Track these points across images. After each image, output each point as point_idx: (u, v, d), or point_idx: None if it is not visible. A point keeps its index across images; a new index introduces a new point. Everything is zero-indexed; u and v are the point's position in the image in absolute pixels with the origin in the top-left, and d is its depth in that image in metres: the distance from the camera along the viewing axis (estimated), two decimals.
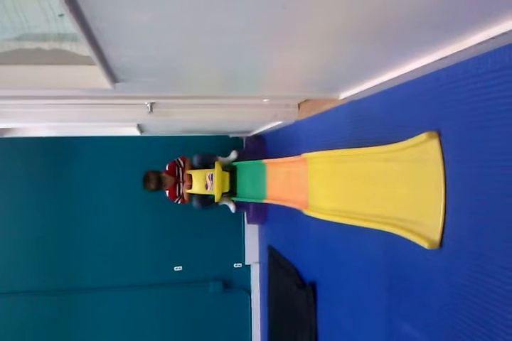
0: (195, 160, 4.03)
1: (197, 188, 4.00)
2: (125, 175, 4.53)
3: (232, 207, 4.18)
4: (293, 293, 3.28)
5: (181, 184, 4.04)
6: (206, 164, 4.06)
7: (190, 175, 4.03)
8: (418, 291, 1.71)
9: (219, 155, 4.08)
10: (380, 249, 2.00)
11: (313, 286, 2.92)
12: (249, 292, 4.88)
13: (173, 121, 3.23)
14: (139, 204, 4.59)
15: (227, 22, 1.15)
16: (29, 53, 1.79)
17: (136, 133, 3.94)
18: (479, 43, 1.23)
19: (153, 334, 4.67)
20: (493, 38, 1.18)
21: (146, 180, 3.89)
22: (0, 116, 2.79)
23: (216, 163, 3.86)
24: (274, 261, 4.00)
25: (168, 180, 3.93)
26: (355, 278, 2.32)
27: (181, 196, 4.06)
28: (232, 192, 4.06)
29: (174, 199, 4.05)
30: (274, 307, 4.07)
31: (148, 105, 2.85)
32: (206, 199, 4.06)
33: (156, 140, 4.53)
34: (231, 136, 4.77)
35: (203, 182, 3.93)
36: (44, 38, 1.73)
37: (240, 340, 4.83)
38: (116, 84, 1.76)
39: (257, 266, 4.85)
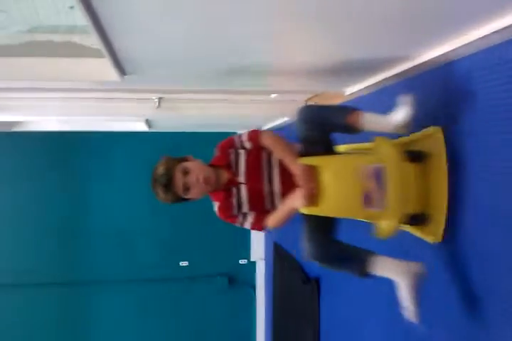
0: (304, 118, 1.72)
1: (337, 202, 1.61)
2: (132, 169, 4.55)
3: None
4: (297, 288, 3.30)
5: (243, 185, 1.76)
6: (329, 126, 1.68)
7: (314, 169, 1.61)
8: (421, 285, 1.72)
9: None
10: (383, 244, 2.00)
11: (318, 281, 2.94)
12: (254, 288, 4.90)
13: (181, 116, 3.25)
14: (146, 199, 4.57)
15: (236, 11, 1.17)
16: (40, 45, 1.82)
17: (144, 128, 3.96)
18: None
19: (158, 329, 4.70)
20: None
21: (153, 179, 1.73)
22: (9, 109, 2.83)
23: (380, 140, 1.61)
24: (280, 258, 4.01)
25: (205, 174, 1.72)
26: None
27: (244, 213, 1.80)
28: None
29: (234, 220, 1.81)
30: (278, 302, 4.08)
31: (157, 100, 2.87)
32: (334, 245, 1.73)
33: (163, 136, 4.55)
34: (239, 132, 4.78)
35: (356, 186, 1.54)
36: (55, 30, 1.76)
37: (244, 336, 4.86)
38: (125, 76, 1.78)
39: (263, 262, 4.87)
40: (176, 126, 4.35)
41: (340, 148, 1.88)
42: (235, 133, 4.47)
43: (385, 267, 1.62)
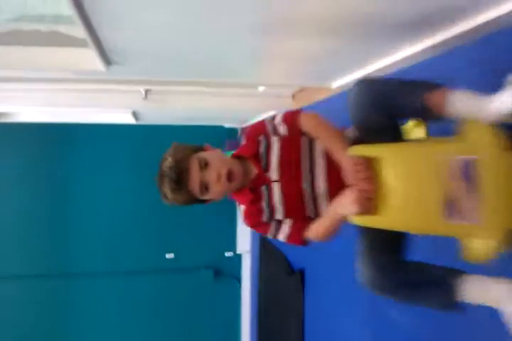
0: (361, 95, 1.14)
1: (404, 210, 1.06)
2: (119, 162, 4.54)
3: None
4: (282, 280, 3.33)
5: (276, 184, 1.29)
6: (396, 108, 1.12)
7: (371, 161, 1.09)
8: None
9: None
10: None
11: (302, 273, 2.97)
12: (239, 280, 4.93)
13: (168, 108, 3.25)
14: (132, 190, 4.59)
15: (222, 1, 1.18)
16: (26, 34, 1.82)
17: (131, 120, 3.94)
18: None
19: (144, 321, 4.70)
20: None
21: (159, 174, 1.29)
22: None
23: (469, 122, 1.04)
24: (265, 250, 4.03)
25: (228, 168, 1.28)
26: (340, 265, 2.35)
27: (278, 221, 1.33)
28: None
29: (264, 229, 1.35)
30: (263, 295, 4.11)
31: (143, 92, 2.87)
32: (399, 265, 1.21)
33: (150, 128, 4.54)
34: (226, 125, 4.79)
35: (435, 188, 1.02)
36: (41, 19, 1.75)
37: (229, 327, 4.89)
38: (110, 66, 1.78)
39: (248, 255, 4.89)
40: (163, 119, 4.34)
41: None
42: (222, 126, 4.55)
43: (481, 291, 1.09)
